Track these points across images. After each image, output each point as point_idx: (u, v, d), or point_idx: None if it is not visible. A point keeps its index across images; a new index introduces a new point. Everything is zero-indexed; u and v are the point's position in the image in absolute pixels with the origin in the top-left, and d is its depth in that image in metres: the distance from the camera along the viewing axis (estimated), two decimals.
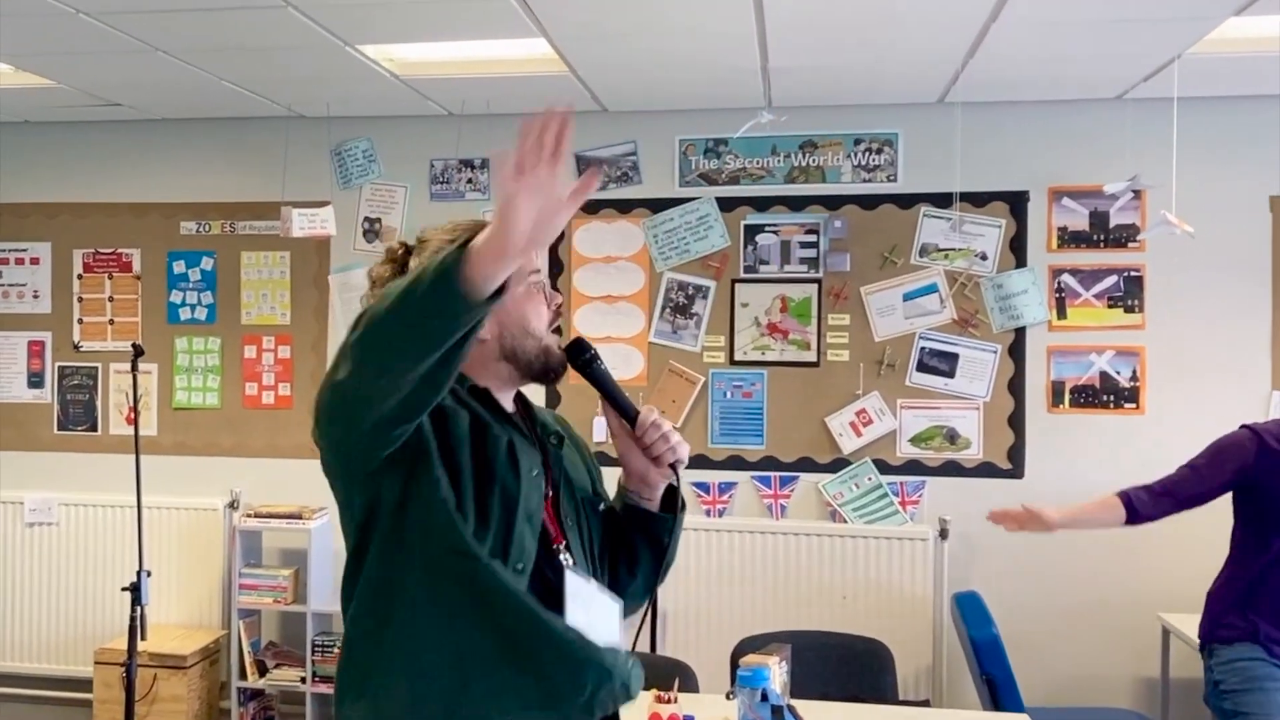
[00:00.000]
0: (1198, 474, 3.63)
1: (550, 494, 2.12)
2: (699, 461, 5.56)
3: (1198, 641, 3.76)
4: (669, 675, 3.73)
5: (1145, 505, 3.62)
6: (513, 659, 1.96)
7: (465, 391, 2.07)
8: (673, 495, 2.25)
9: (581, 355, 2.18)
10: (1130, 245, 5.27)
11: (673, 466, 2.19)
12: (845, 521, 5.43)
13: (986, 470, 5.36)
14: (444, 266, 1.66)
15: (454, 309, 1.68)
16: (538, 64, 4.85)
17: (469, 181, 5.75)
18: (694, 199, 5.57)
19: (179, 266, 6.01)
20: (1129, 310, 5.25)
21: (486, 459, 2.01)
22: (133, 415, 5.39)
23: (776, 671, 3.28)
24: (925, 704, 5.13)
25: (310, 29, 4.30)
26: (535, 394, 5.20)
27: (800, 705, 3.38)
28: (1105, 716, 4.99)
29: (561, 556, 2.09)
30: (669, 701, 3.43)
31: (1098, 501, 3.72)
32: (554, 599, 2.01)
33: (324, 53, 4.62)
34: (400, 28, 4.37)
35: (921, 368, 5.40)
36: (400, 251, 2.19)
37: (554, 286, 5.54)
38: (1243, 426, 3.66)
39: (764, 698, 3.10)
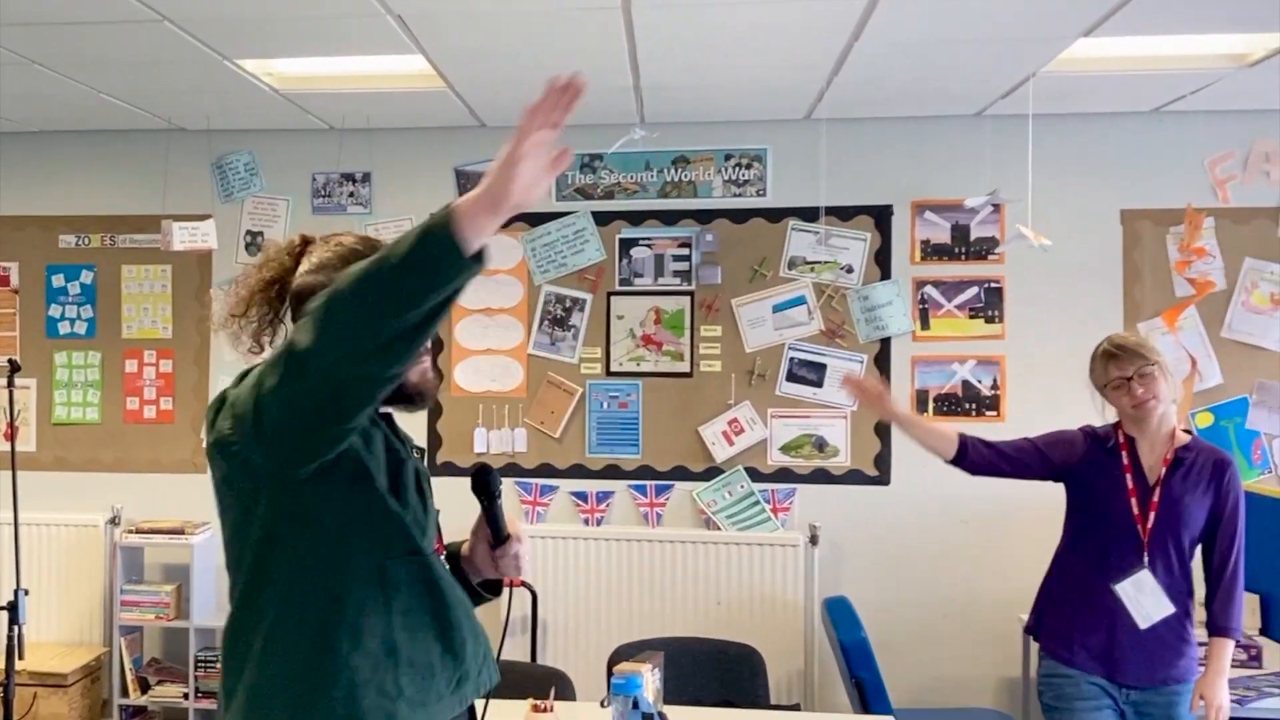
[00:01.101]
0: (1032, 448, 3.78)
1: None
2: (577, 471, 5.64)
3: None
4: (546, 684, 3.78)
5: (976, 452, 3.75)
6: (444, 642, 2.13)
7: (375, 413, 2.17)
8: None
9: (486, 488, 2.33)
10: (990, 257, 5.43)
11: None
12: (719, 529, 5.54)
13: (854, 477, 5.50)
14: (434, 222, 1.69)
15: (446, 263, 1.69)
16: (416, 80, 4.90)
17: (350, 195, 5.78)
18: (570, 213, 5.65)
19: (58, 280, 5.97)
20: (989, 320, 5.42)
21: (402, 485, 2.13)
22: (10, 431, 5.34)
23: (649, 679, 3.34)
24: (796, 707, 5.24)
25: (188, 43, 4.31)
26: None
27: (673, 711, 3.45)
28: (970, 716, 5.12)
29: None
30: (545, 710, 3.45)
31: (940, 428, 3.83)
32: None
33: (203, 67, 4.64)
34: (279, 43, 4.40)
35: (791, 378, 5.53)
36: (298, 245, 2.22)
37: None
38: (1081, 427, 3.80)
39: (635, 705, 3.17)
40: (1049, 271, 5.30)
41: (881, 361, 5.47)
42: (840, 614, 4.97)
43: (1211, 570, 3.72)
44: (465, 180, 5.69)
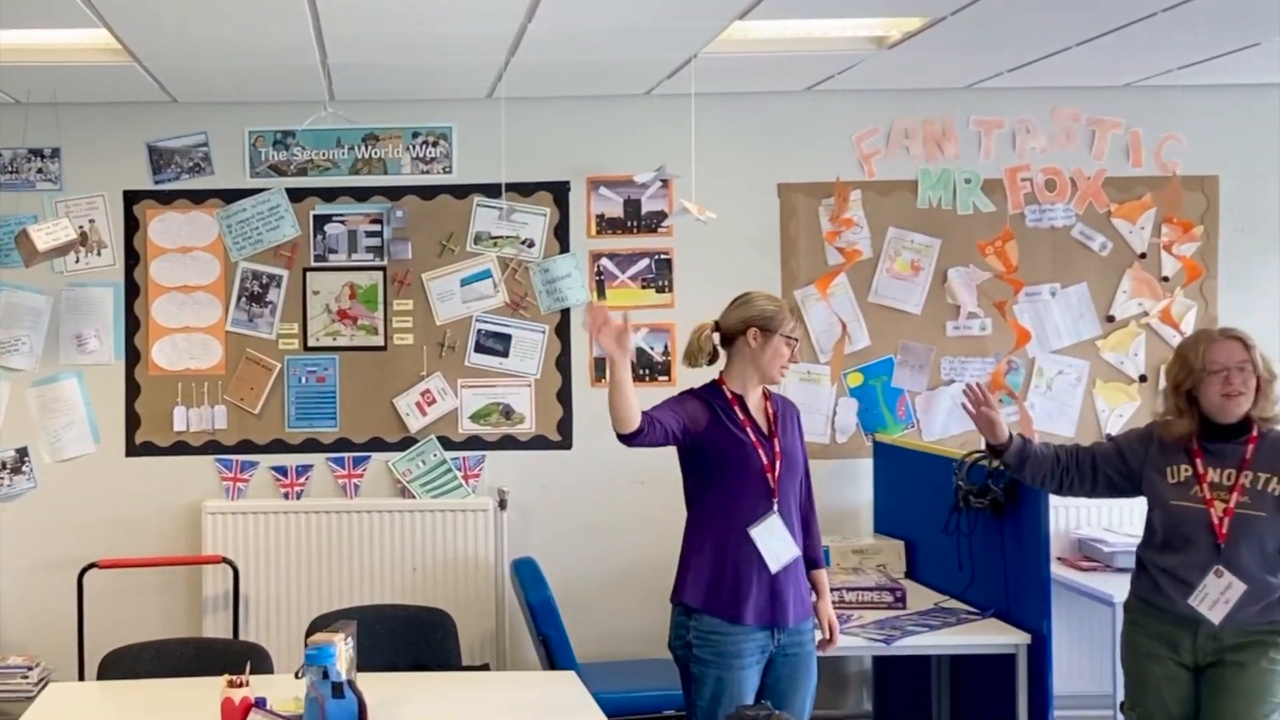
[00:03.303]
0: (671, 411, 3.87)
1: None
2: (277, 446, 5.71)
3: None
4: (244, 659, 3.83)
5: (653, 429, 3.74)
6: None
7: None
8: None
9: None
10: (660, 230, 5.71)
11: None
12: (414, 497, 5.69)
13: (540, 443, 5.72)
14: None
15: None
16: (103, 53, 4.85)
17: (39, 171, 5.70)
18: (265, 190, 5.70)
19: None
20: (660, 290, 5.69)
21: None
22: None
23: (342, 648, 3.43)
24: (485, 667, 5.40)
25: None
26: None
27: (368, 678, 3.54)
28: (647, 666, 5.36)
29: None
30: (240, 685, 3.48)
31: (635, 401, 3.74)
32: None
33: None
34: None
35: (479, 349, 5.71)
36: None
37: (130, 277, 5.57)
38: (693, 392, 3.96)
39: (326, 675, 3.25)
40: (713, 243, 5.57)
41: (562, 331, 5.70)
42: (527, 575, 5.18)
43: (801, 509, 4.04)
44: (158, 156, 5.68)
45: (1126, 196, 5.66)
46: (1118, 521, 5.49)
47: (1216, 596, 3.63)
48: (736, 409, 3.90)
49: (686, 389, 3.98)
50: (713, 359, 3.98)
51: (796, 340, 3.92)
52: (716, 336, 3.97)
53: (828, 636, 4.08)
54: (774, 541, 3.89)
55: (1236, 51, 4.92)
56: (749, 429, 3.89)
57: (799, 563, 3.94)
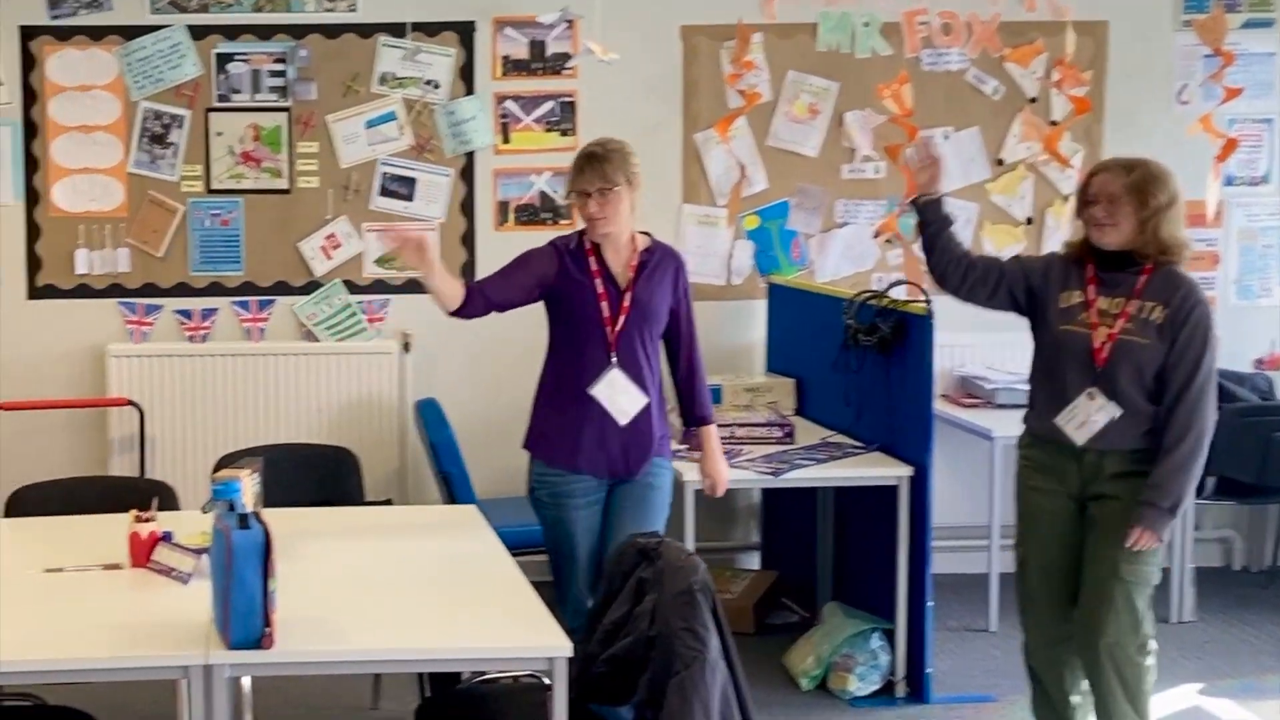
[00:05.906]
0: (505, 279, 3.95)
1: None
2: (181, 290, 5.71)
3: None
4: (150, 496, 3.86)
5: (474, 302, 3.87)
6: None
7: None
8: None
9: None
10: (564, 72, 5.71)
11: None
12: (319, 340, 5.74)
13: None
14: None
15: None
16: None
17: None
18: (166, 26, 5.61)
19: None
20: (564, 134, 5.71)
21: None
22: None
23: (248, 483, 3.50)
24: (388, 503, 5.51)
25: None
26: None
27: (273, 512, 3.57)
28: None
29: None
30: (148, 520, 3.52)
31: (454, 279, 3.95)
32: None
33: None
34: None
35: (384, 192, 5.72)
36: None
37: (29, 116, 5.48)
38: (551, 241, 3.98)
39: (232, 508, 3.30)
40: (617, 86, 5.57)
41: (467, 175, 5.73)
42: (430, 415, 5.27)
43: (679, 364, 4.09)
44: None
45: (1019, 41, 5.68)
46: (1000, 360, 5.62)
47: (1084, 419, 3.63)
48: (591, 259, 3.90)
49: (537, 246, 3.99)
50: None
51: (586, 194, 3.81)
52: None
53: (711, 491, 4.19)
54: (618, 395, 3.91)
55: None
56: (600, 279, 3.89)
57: (649, 410, 3.94)
